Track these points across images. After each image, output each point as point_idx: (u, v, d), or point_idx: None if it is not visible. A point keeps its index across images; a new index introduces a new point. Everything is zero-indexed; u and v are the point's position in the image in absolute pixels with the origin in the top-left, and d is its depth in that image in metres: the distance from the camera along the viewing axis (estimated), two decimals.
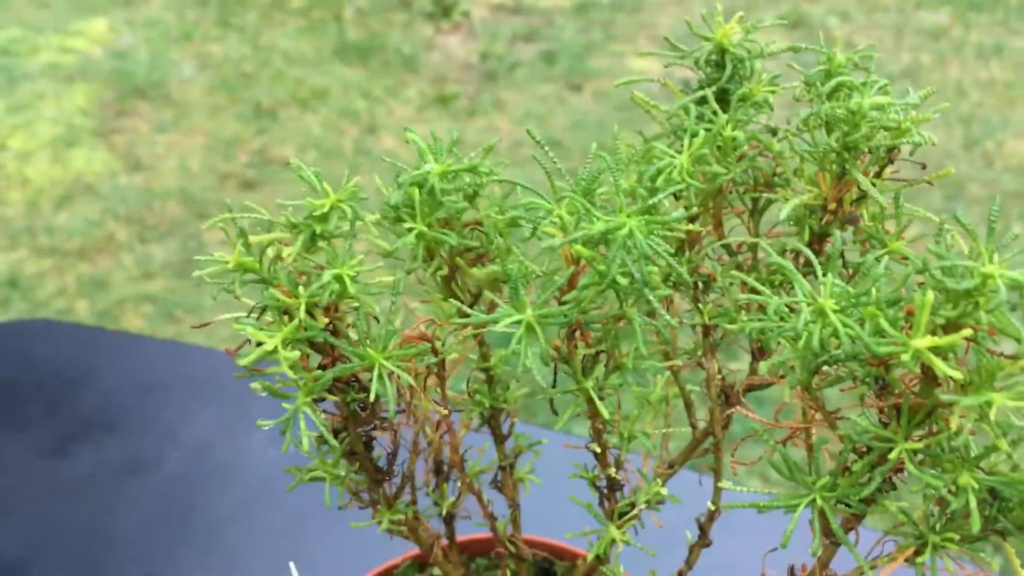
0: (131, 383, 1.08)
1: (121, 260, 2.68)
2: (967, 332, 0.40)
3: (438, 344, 0.54)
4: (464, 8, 3.63)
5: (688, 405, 0.61)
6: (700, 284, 0.56)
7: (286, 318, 0.47)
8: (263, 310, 0.49)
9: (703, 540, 0.61)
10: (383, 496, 0.58)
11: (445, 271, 0.53)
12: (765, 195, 0.57)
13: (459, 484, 0.65)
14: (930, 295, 0.40)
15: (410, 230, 0.51)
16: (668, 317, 0.48)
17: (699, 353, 0.57)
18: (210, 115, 3.22)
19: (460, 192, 0.53)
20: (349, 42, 3.51)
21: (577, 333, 0.51)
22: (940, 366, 0.39)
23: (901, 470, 0.47)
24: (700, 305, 0.56)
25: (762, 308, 0.52)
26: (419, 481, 0.61)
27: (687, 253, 0.56)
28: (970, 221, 0.43)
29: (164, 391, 1.08)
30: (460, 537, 0.68)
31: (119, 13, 3.64)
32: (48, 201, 2.87)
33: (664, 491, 0.56)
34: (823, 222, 0.54)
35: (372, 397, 0.46)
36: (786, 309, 0.46)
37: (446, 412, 0.55)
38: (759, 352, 0.57)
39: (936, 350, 0.40)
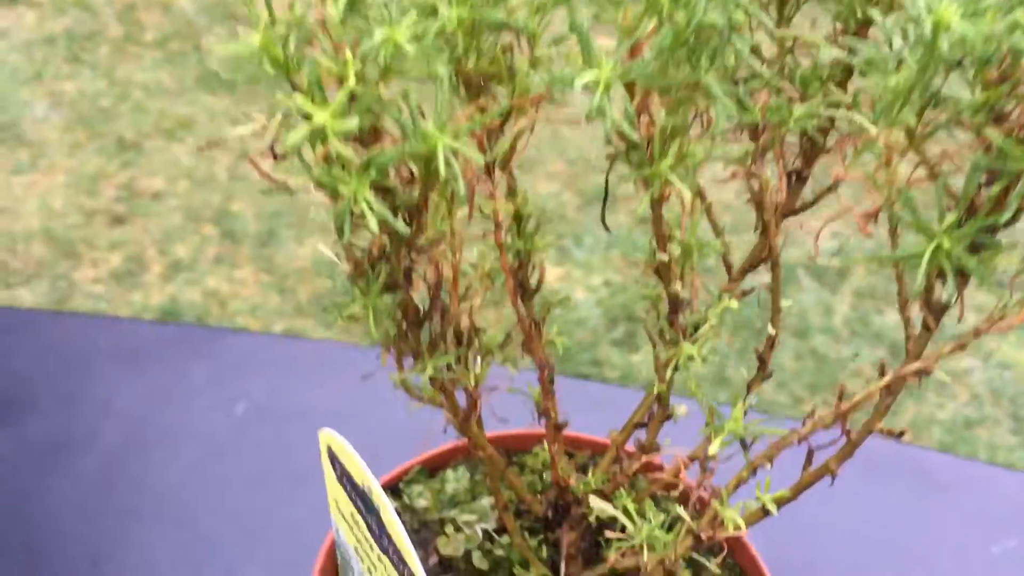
0: (49, 359, 0.97)
1: None
2: None
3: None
4: None
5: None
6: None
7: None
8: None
9: (763, 371, 0.56)
10: (420, 342, 0.51)
11: (486, 64, 0.47)
12: None
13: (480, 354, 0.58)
14: None
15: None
16: (760, 68, 0.44)
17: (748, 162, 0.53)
18: (69, 152, 3.05)
19: None
20: (211, 70, 3.40)
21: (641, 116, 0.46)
22: None
23: None
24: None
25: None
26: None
27: None
28: None
29: (87, 365, 0.97)
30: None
31: None
32: None
33: (735, 304, 0.51)
34: None
35: (440, 179, 0.40)
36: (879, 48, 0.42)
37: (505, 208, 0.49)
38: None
39: None
